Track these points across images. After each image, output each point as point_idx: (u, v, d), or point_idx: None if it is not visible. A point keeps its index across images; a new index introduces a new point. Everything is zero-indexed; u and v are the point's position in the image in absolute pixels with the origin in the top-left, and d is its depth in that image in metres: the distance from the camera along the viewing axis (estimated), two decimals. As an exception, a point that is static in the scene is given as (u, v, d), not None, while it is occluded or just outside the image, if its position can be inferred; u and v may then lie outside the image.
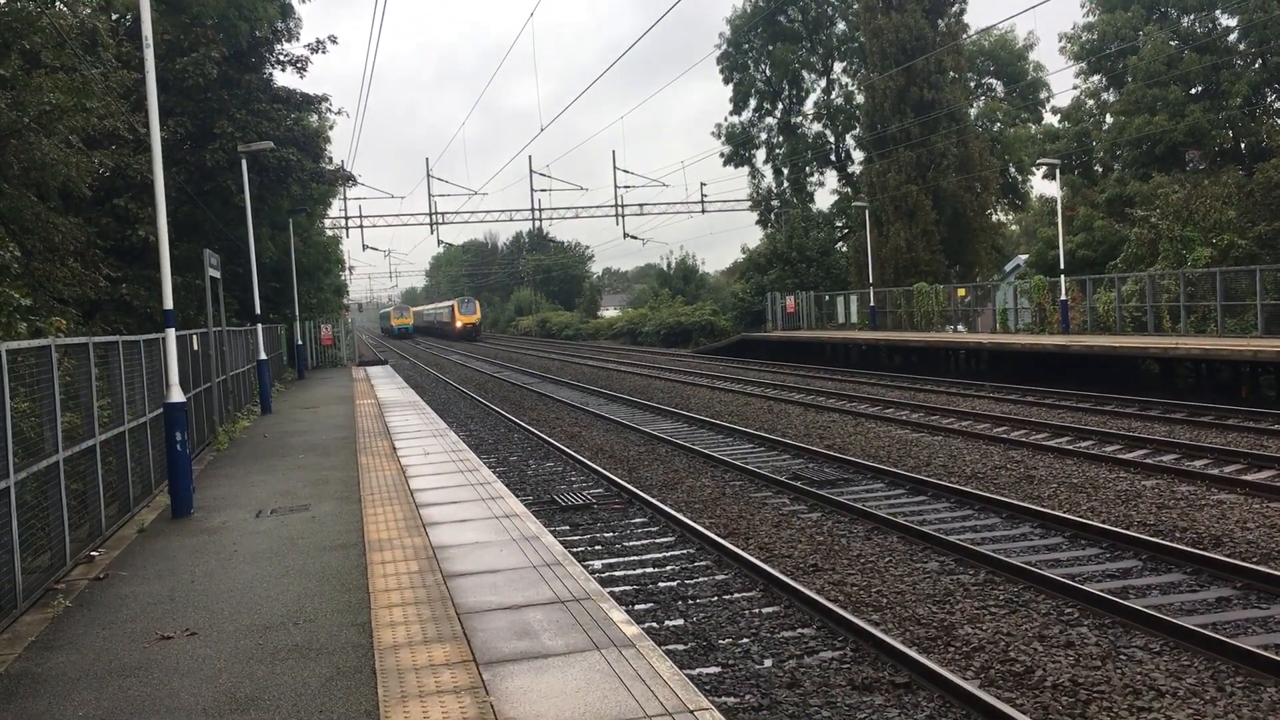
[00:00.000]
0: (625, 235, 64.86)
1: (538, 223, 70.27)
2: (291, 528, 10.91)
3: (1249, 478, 13.80)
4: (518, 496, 13.29)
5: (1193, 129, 43.72)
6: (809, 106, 65.54)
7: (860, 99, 58.11)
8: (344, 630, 7.16)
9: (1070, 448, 17.03)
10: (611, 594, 8.90)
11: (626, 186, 63.79)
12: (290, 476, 14.62)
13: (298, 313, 40.61)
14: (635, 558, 11.73)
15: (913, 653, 7.83)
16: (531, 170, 60.40)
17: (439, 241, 72.28)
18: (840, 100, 64.07)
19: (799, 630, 8.89)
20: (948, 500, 13.89)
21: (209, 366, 19.71)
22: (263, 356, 26.96)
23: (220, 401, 21.07)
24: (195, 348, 17.91)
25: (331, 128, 41.36)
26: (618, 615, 6.97)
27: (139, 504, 12.61)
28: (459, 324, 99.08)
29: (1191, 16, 47.31)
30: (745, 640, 8.72)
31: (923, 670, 7.52)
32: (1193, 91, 46.14)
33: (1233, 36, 46.03)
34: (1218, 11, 46.04)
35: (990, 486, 14.50)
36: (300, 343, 41.56)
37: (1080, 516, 12.20)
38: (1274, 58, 43.46)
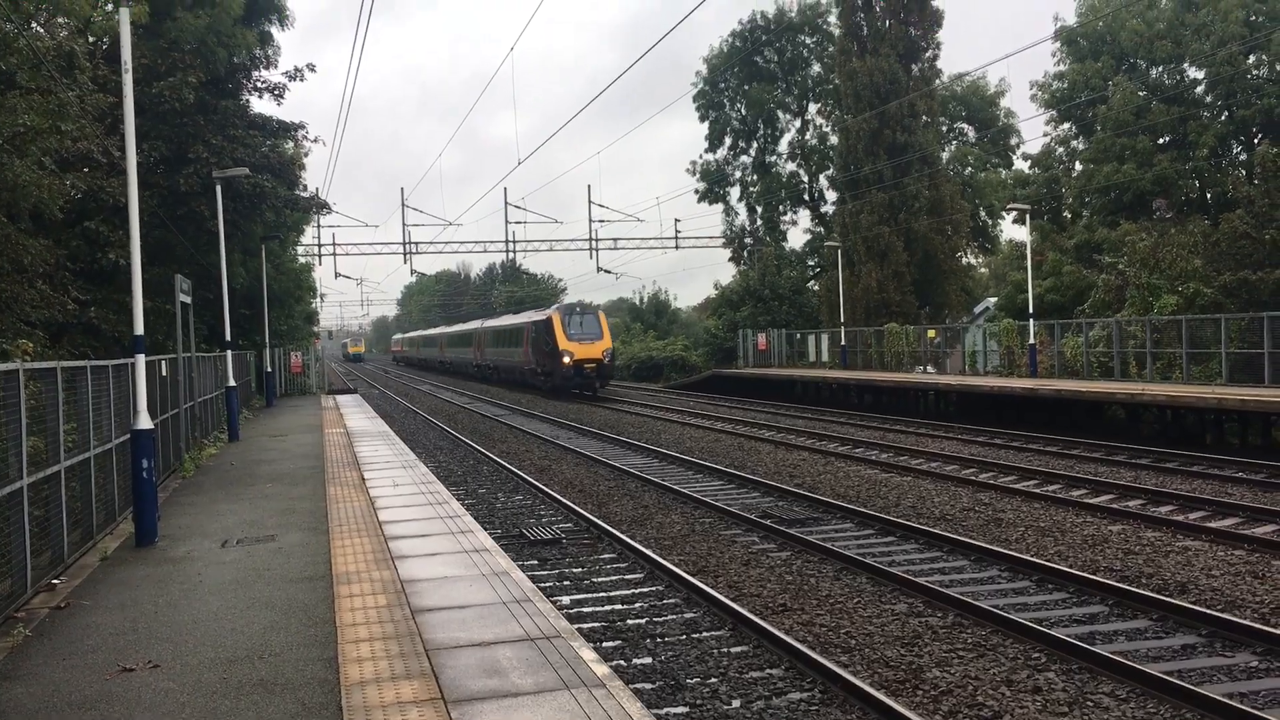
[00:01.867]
0: (599, 269, 65.00)
1: (512, 254, 70.24)
2: (258, 559, 10.79)
3: (1213, 525, 13.93)
4: (486, 530, 13.21)
5: (1160, 178, 44.39)
6: (783, 146, 66.17)
7: (834, 140, 58.69)
8: (310, 665, 7.08)
9: (1038, 491, 17.14)
10: (580, 630, 8.85)
11: (601, 221, 64.07)
12: (257, 506, 14.48)
13: (268, 339, 40.34)
14: (604, 594, 11.68)
15: (882, 696, 7.82)
16: (507, 202, 60.49)
17: (412, 271, 72.05)
18: (814, 141, 64.69)
19: (768, 671, 8.87)
20: (916, 541, 13.92)
21: (177, 392, 19.53)
22: (232, 383, 26.75)
23: (187, 428, 20.87)
24: (164, 373, 17.76)
25: (307, 155, 41.34)
26: (588, 654, 6.93)
27: (102, 531, 12.44)
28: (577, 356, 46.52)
29: (1160, 68, 48.16)
30: (714, 680, 8.69)
31: (892, 714, 7.52)
32: (1160, 141, 46.89)
33: (1200, 89, 46.88)
34: (1186, 64, 46.89)
35: (959, 528, 14.56)
36: (270, 370, 41.26)
37: (1048, 560, 12.26)
38: (1240, 110, 44.26)
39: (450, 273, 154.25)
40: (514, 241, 64.19)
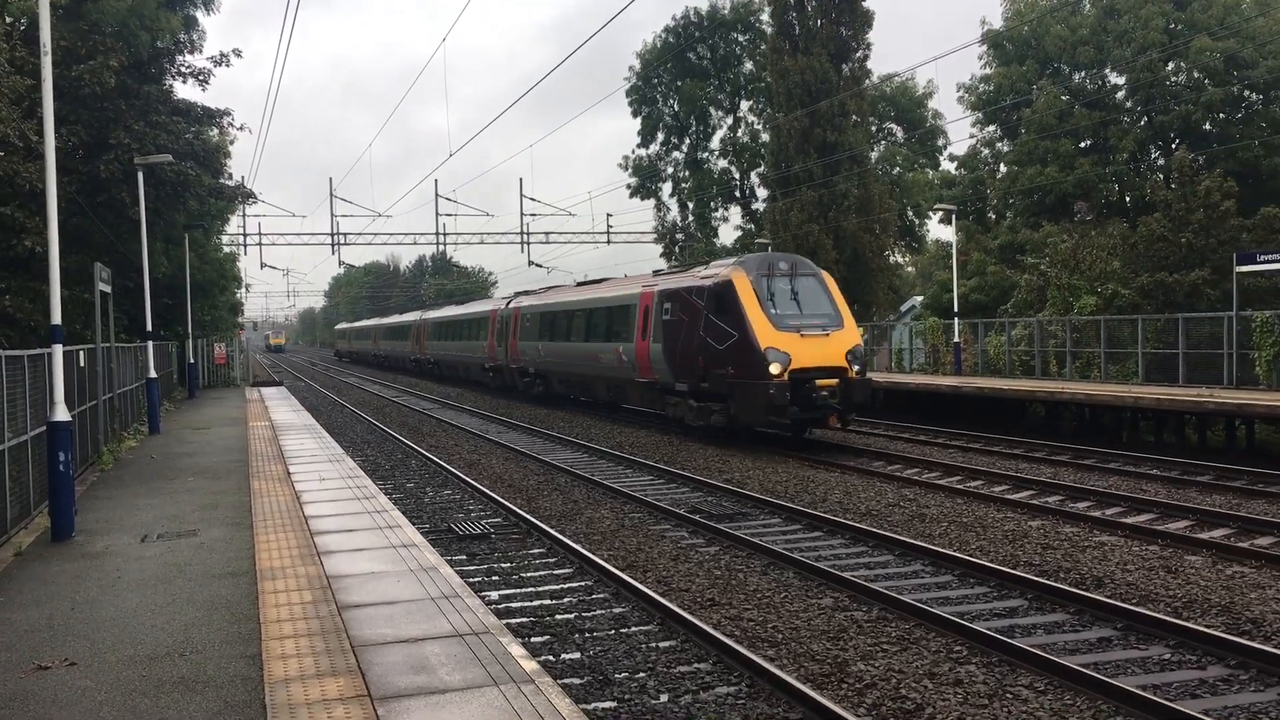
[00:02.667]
0: (530, 263, 64.70)
1: (442, 247, 69.73)
2: (179, 554, 10.60)
3: (1129, 520, 14.29)
4: (415, 525, 13.12)
5: (1081, 181, 45.39)
6: (715, 143, 66.49)
7: (765, 137, 59.08)
8: (233, 662, 6.97)
9: (960, 487, 17.44)
10: (508, 626, 8.84)
11: (533, 215, 63.65)
12: (178, 500, 14.22)
13: (190, 330, 39.58)
14: (533, 589, 11.66)
15: (807, 689, 7.90)
16: (438, 194, 59.94)
17: (340, 262, 71.10)
18: (746, 138, 65.09)
19: (695, 665, 8.92)
20: (843, 536, 14.10)
21: (95, 384, 19.09)
22: (153, 374, 26.21)
23: (106, 420, 20.40)
24: (82, 364, 17.34)
25: (232, 142, 40.56)
26: (516, 650, 6.92)
27: (16, 526, 12.12)
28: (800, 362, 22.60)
29: (1083, 73, 49.22)
30: (642, 674, 8.72)
31: (817, 707, 7.60)
32: (1082, 145, 47.93)
33: (1121, 94, 47.98)
34: (1107, 69, 47.96)
35: (884, 524, 14.76)
36: (192, 361, 40.50)
37: (970, 555, 12.49)
38: (1159, 116, 45.40)
39: (379, 264, 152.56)
40: (445, 234, 63.73)
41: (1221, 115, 44.69)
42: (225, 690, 6.43)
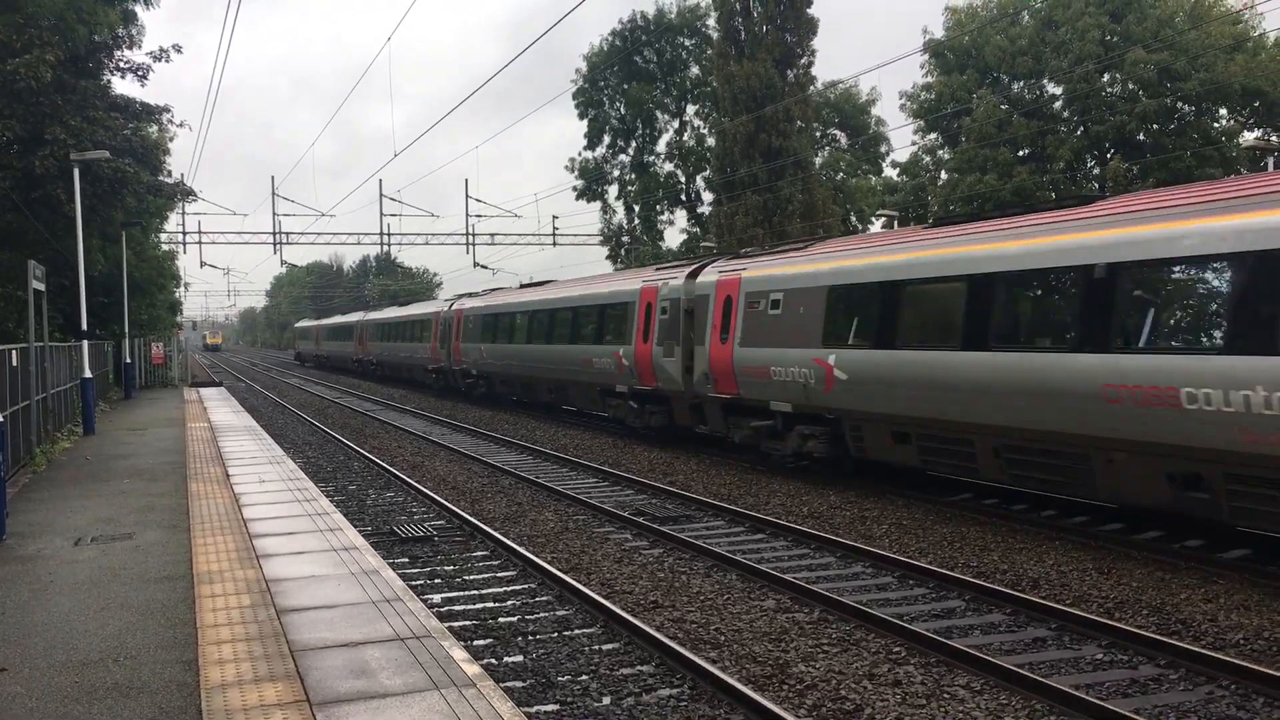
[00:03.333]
0: (476, 264, 64.38)
1: (387, 247, 69.19)
2: (113, 557, 10.43)
3: (1063, 523, 14.51)
4: (356, 527, 13.00)
5: (1019, 189, 46.09)
6: (661, 146, 66.66)
7: (711, 142, 59.34)
8: (168, 668, 6.88)
9: (900, 492, 17.61)
10: (450, 629, 8.79)
11: (479, 216, 63.34)
12: (113, 502, 13.98)
13: (127, 329, 38.90)
14: (476, 592, 11.62)
15: (749, 691, 7.96)
16: (382, 194, 59.48)
17: (282, 262, 70.21)
18: (692, 142, 65.33)
19: (638, 668, 8.94)
20: (785, 539, 14.20)
21: (28, 383, 18.70)
22: (88, 374, 25.73)
23: (39, 421, 20.00)
24: (14, 363, 16.99)
25: (172, 139, 39.95)
26: (459, 654, 6.89)
27: (-55, 529, 11.85)
28: None
29: (1021, 83, 50.00)
30: (585, 677, 8.72)
31: (758, 709, 7.65)
32: (1020, 154, 48.69)
33: (1058, 104, 48.82)
34: (1045, 80, 48.78)
35: (826, 526, 14.89)
36: (129, 361, 39.80)
37: (909, 557, 12.64)
38: (1095, 126, 46.26)
39: (322, 264, 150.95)
40: (389, 234, 63.23)
41: (1155, 126, 45.64)
42: (160, 696, 6.34)
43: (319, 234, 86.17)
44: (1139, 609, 10.39)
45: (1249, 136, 43.18)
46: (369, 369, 61.27)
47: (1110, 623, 9.60)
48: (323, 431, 29.54)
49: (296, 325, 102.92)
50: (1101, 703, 7.63)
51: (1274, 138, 39.70)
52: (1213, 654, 8.62)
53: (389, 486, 19.44)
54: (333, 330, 74.69)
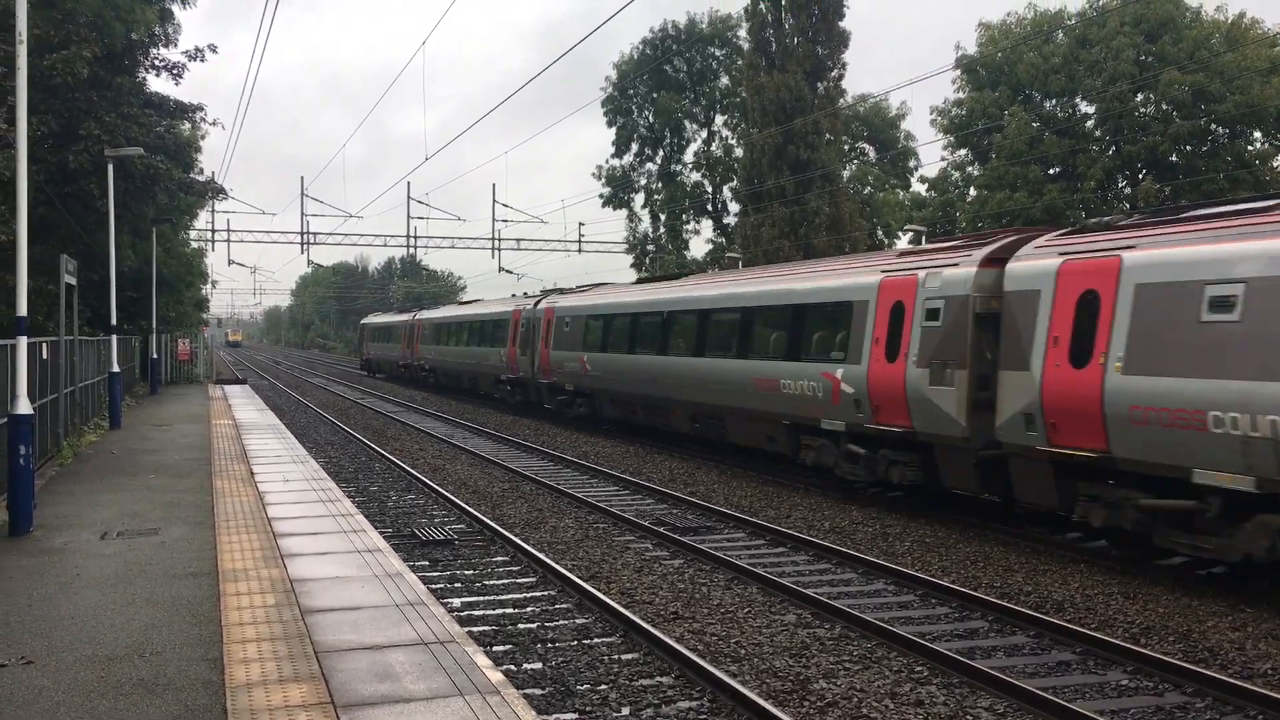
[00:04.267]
0: (500, 269, 64.57)
1: (413, 250, 69.39)
2: (139, 552, 10.49)
3: (1087, 545, 14.39)
4: (377, 529, 13.04)
5: (1049, 208, 45.82)
6: (689, 156, 66.65)
7: (739, 152, 59.31)
8: (194, 665, 6.90)
9: (924, 509, 17.51)
10: (470, 634, 8.79)
11: (505, 220, 63.75)
12: (139, 497, 14.07)
13: (154, 325, 39.17)
14: (495, 597, 11.63)
15: (770, 706, 7.93)
16: (410, 197, 59.73)
17: (309, 262, 70.59)
18: (720, 152, 65.31)
19: (658, 679, 8.92)
20: (807, 553, 14.15)
21: (58, 376, 18.86)
22: (116, 369, 25.91)
23: (67, 413, 20.15)
24: (44, 356, 17.14)
25: (204, 137, 40.24)
26: (482, 660, 6.90)
27: (-27, 519, 11.95)
28: None
29: (1053, 101, 49.75)
30: (604, 687, 8.71)
31: (778, 724, 7.62)
32: (1051, 172, 48.42)
33: (1090, 123, 48.55)
34: (1078, 98, 48.52)
35: (848, 542, 14.82)
36: (155, 356, 40.07)
37: (932, 576, 12.56)
38: (1127, 146, 45.97)
39: (348, 265, 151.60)
40: (416, 236, 63.46)
41: (1188, 148, 45.29)
42: (186, 693, 6.36)
43: (346, 235, 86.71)
44: (1165, 635, 10.29)
45: (1283, 160, 42.84)
46: (421, 375, 52.28)
47: (1136, 649, 9.51)
48: (345, 432, 29.65)
49: (367, 323, 71.55)
50: (1126, 729, 7.56)
51: (1308, 162, 39.37)
52: (1241, 683, 8.54)
53: (410, 489, 19.49)
54: (447, 328, 48.01)
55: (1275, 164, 43.24)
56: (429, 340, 49.64)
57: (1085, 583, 12.46)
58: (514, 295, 41.51)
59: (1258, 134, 45.46)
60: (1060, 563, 13.54)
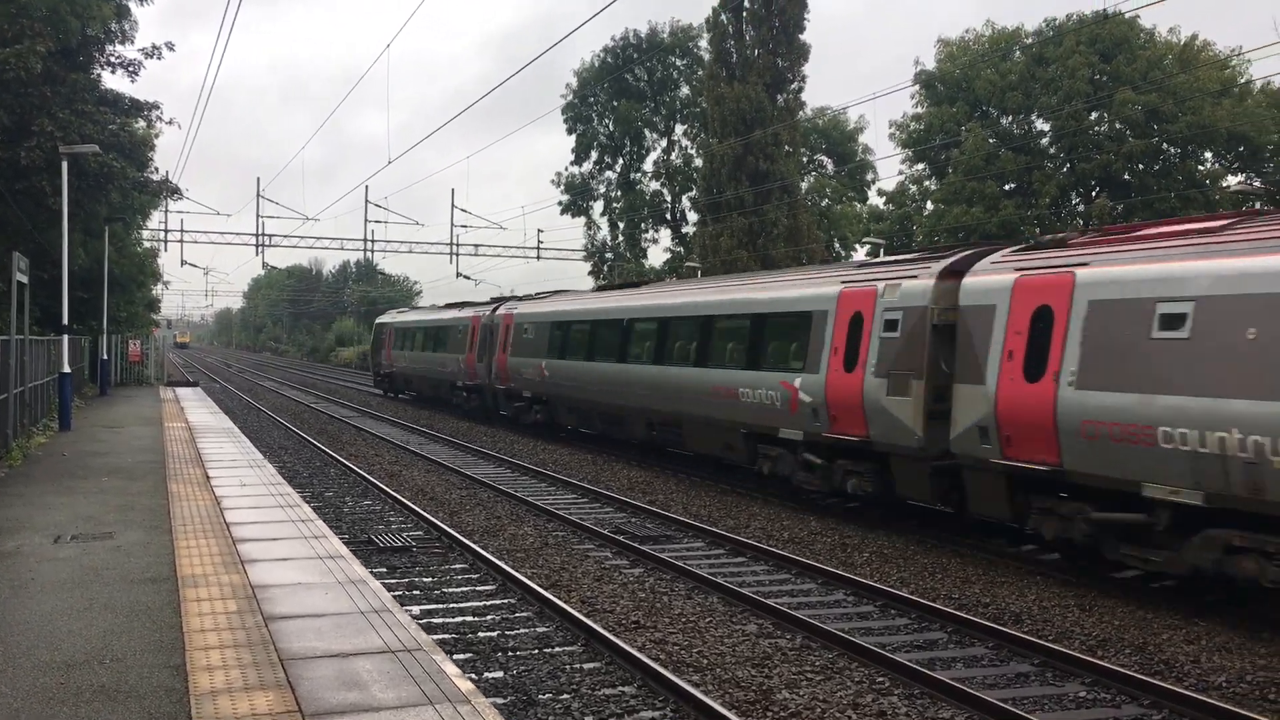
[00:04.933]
0: (459, 275, 64.23)
1: (370, 253, 68.85)
2: (95, 556, 10.32)
3: (1043, 558, 14.56)
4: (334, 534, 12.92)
5: (1005, 223, 46.41)
6: (649, 164, 66.77)
7: (699, 162, 59.51)
8: (156, 672, 6.80)
9: (882, 519, 17.64)
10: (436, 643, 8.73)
11: (464, 226, 63.23)
12: (92, 500, 13.84)
13: (105, 325, 38.58)
14: (455, 605, 11.57)
15: (733, 716, 7.95)
16: (368, 200, 59.31)
17: (264, 264, 69.79)
18: (679, 161, 65.47)
19: (620, 688, 8.91)
20: (766, 563, 14.20)
21: (7, 376, 18.51)
22: (66, 369, 25.49)
23: (16, 414, 19.78)
24: (-5, 356, 16.83)
25: (159, 136, 39.68)
26: (450, 668, 6.85)
27: (-79, 521, 11.71)
28: None
29: (1010, 118, 50.42)
30: (566, 696, 8.69)
31: (743, 734, 7.64)
32: (1007, 188, 49.05)
33: (1045, 140, 49.26)
34: (1034, 115, 49.21)
35: (807, 552, 14.89)
36: (105, 357, 39.46)
37: (891, 587, 12.66)
38: (1081, 164, 46.68)
39: (302, 268, 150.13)
40: (373, 240, 62.99)
41: (1141, 166, 46.10)
42: (148, 701, 6.27)
43: (302, 237, 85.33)
44: (1122, 647, 10.44)
45: (1232, 181, 43.69)
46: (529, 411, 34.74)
47: (1094, 660, 9.64)
48: (299, 436, 29.36)
49: (388, 322, 51.29)
50: (1086, 741, 7.66)
51: (1257, 183, 40.18)
52: (1196, 695, 8.67)
53: (366, 494, 19.35)
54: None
55: (1225, 184, 44.04)
56: (542, 350, 29.88)
57: (1042, 595, 12.61)
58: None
59: (1208, 154, 46.38)
60: (1017, 575, 13.69)
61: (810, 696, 8.76)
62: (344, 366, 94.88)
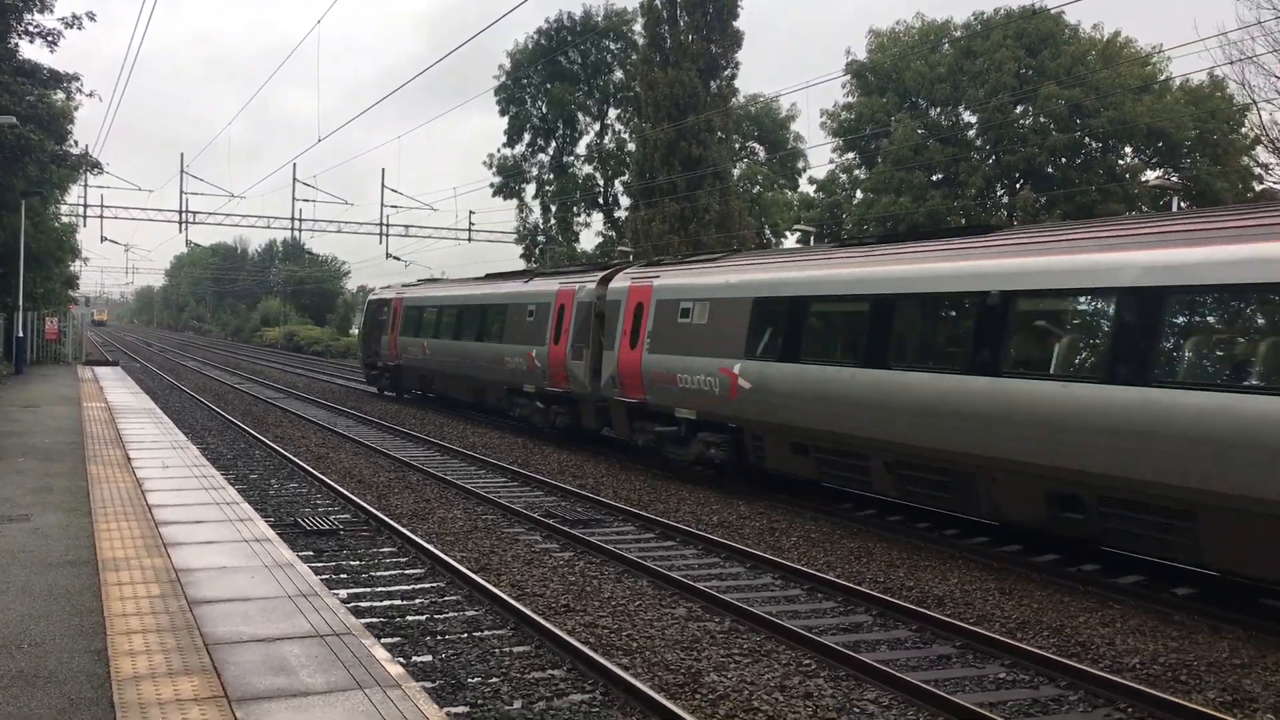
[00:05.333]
0: (388, 255, 63.53)
1: (297, 232, 67.74)
2: (10, 539, 10.06)
3: (966, 542, 14.85)
4: (261, 518, 12.74)
5: (932, 213, 47.11)
6: (581, 148, 66.55)
7: (632, 147, 59.48)
8: (76, 657, 6.66)
9: (809, 505, 17.85)
10: (366, 626, 8.66)
11: (395, 206, 62.56)
12: (7, 481, 13.49)
13: (21, 303, 37.54)
14: (383, 589, 11.49)
15: (661, 698, 8.01)
16: (295, 179, 58.34)
17: (187, 242, 68.51)
18: (612, 145, 65.36)
19: (550, 671, 8.93)
20: (695, 547, 14.30)
21: (-82, 354, 17.97)
22: (-21, 347, 24.79)
23: (-73, 393, 19.20)
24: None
25: (78, 108, 38.66)
26: (380, 653, 6.81)
27: None
28: None
29: (938, 110, 51.12)
30: (495, 680, 8.68)
31: (671, 717, 7.70)
32: (934, 178, 49.77)
33: (972, 132, 50.03)
34: (961, 108, 49.94)
35: (735, 536, 15.03)
36: (21, 335, 38.41)
37: (818, 570, 12.82)
38: (1006, 155, 47.49)
39: (227, 246, 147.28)
40: (300, 219, 62.03)
41: (1063, 160, 47.04)
42: (69, 686, 6.14)
43: (228, 215, 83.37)
44: (1040, 630, 10.69)
45: (1151, 175, 44.79)
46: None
47: (1013, 643, 9.86)
48: (223, 418, 28.87)
49: (389, 298, 39.36)
50: (1006, 721, 7.85)
51: (1174, 177, 41.21)
52: (1112, 677, 8.92)
53: (292, 477, 19.11)
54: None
55: (1144, 178, 45.12)
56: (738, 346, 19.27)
57: (964, 578, 12.86)
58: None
59: (1128, 149, 47.45)
60: (940, 559, 13.94)
61: (738, 678, 8.85)
62: (269, 347, 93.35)
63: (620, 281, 22.39)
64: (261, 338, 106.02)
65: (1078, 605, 11.69)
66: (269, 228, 64.62)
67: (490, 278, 32.51)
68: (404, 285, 39.93)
